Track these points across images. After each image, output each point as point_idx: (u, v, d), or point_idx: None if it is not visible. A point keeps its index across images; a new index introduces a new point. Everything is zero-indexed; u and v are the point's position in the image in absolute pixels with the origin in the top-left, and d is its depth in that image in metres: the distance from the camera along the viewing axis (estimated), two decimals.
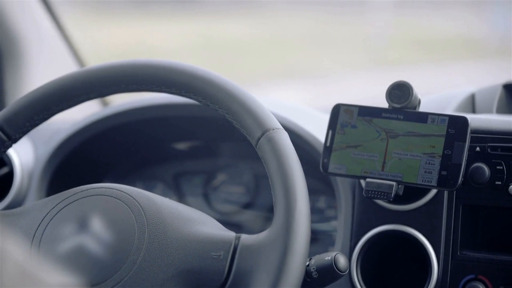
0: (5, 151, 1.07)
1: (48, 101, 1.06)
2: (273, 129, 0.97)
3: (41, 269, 0.59)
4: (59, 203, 1.02)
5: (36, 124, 1.07)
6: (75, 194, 1.03)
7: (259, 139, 0.97)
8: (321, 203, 1.43)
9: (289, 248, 0.90)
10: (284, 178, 0.94)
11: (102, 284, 0.95)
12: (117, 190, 1.02)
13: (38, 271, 0.59)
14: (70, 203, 1.02)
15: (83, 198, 1.02)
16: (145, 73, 1.04)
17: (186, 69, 1.03)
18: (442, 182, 1.10)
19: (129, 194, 1.01)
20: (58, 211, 1.01)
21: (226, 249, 0.95)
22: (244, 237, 0.96)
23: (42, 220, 1.01)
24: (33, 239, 1.00)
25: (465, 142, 1.10)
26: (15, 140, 1.07)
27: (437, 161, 1.11)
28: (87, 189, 1.03)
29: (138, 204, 1.00)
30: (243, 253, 0.95)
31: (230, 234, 0.97)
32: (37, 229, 1.01)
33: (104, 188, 1.03)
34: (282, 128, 0.98)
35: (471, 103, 1.39)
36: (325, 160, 1.16)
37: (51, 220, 1.01)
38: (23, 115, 1.06)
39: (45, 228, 1.00)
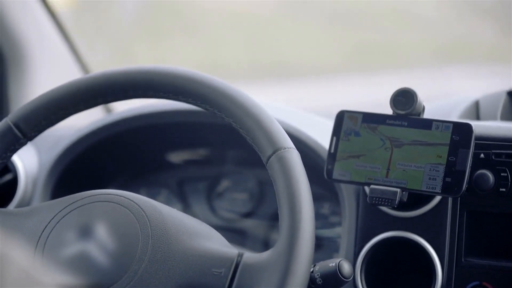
0: (19, 148, 1.07)
1: (65, 101, 1.06)
2: (285, 148, 0.97)
3: (44, 273, 0.60)
4: (66, 207, 1.02)
5: (52, 124, 1.07)
6: (82, 199, 1.03)
7: (269, 157, 0.97)
8: (325, 209, 1.42)
9: (290, 272, 0.90)
10: (291, 200, 0.93)
11: None
12: (124, 197, 1.02)
13: (41, 276, 0.59)
14: (77, 207, 1.02)
15: (91, 203, 1.02)
16: (162, 80, 1.04)
17: (204, 80, 1.02)
18: (447, 189, 1.10)
19: (136, 203, 1.01)
20: (64, 215, 1.01)
21: (228, 267, 0.95)
22: (247, 255, 0.96)
23: (48, 223, 1.01)
24: (37, 243, 1.00)
25: (469, 149, 1.10)
26: (30, 138, 1.07)
27: (442, 168, 1.10)
28: (95, 195, 1.03)
29: (144, 214, 1.00)
30: (244, 272, 0.94)
31: (233, 251, 0.97)
32: (42, 232, 1.01)
33: (111, 194, 1.03)
34: (294, 147, 0.98)
35: (475, 110, 1.39)
36: (329, 167, 1.16)
37: (56, 224, 1.01)
38: (39, 114, 1.06)
39: (50, 232, 1.00)
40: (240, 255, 0.96)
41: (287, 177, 0.95)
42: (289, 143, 0.98)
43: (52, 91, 1.07)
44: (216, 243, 0.99)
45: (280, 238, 0.92)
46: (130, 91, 1.06)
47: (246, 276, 0.94)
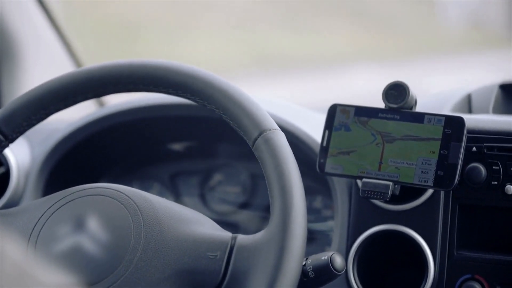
0: (1, 151, 1.07)
1: (45, 100, 1.06)
2: (270, 130, 0.98)
3: (38, 268, 0.60)
4: (56, 202, 1.02)
5: (33, 124, 1.07)
6: (71, 194, 1.03)
7: (256, 139, 0.97)
8: (318, 203, 1.43)
9: (286, 248, 0.90)
10: (280, 178, 0.94)
11: (99, 283, 0.95)
12: (114, 190, 1.02)
13: (35, 271, 0.59)
14: (66, 202, 1.02)
15: (80, 198, 1.02)
16: (142, 73, 1.04)
17: (183, 70, 1.03)
18: (439, 182, 1.10)
19: (125, 194, 1.01)
20: (55, 211, 1.01)
21: (223, 249, 0.95)
22: (241, 237, 0.96)
23: (39, 219, 1.01)
24: (29, 239, 1.00)
25: (461, 142, 1.10)
26: (12, 140, 1.07)
27: (434, 161, 1.11)
28: (84, 189, 1.03)
29: (134, 204, 1.00)
30: (239, 253, 0.95)
31: (227, 234, 0.97)
32: (33, 228, 1.01)
33: (100, 188, 1.03)
34: (279, 128, 0.99)
35: (468, 103, 1.39)
36: (322, 160, 1.16)
37: (47, 219, 1.01)
38: (20, 115, 1.06)
39: (42, 227, 1.00)
40: (234, 238, 0.96)
41: (275, 158, 0.95)
42: (274, 125, 0.99)
43: (31, 91, 1.07)
44: (208, 228, 0.99)
45: (273, 218, 0.93)
46: (109, 86, 1.06)
47: (242, 257, 0.94)
